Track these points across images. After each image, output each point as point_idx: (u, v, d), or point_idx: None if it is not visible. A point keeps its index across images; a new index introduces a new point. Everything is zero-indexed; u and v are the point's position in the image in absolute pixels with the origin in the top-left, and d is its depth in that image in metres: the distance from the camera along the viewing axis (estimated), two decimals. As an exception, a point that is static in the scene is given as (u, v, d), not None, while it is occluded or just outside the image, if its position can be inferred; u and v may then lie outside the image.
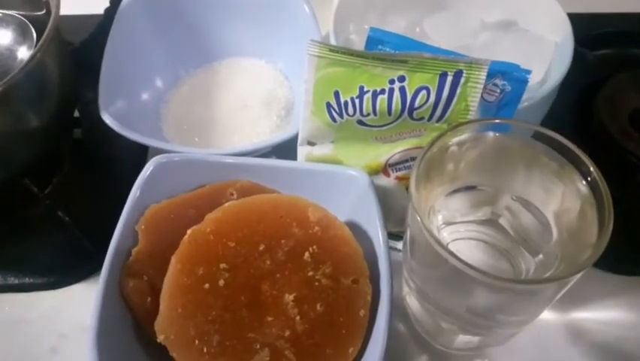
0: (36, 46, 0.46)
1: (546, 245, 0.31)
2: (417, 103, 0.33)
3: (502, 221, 0.34)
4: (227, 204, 0.35)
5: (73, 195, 0.44)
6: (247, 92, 0.45)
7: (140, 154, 0.45)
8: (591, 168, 0.27)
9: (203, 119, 0.44)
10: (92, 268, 0.39)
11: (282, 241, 0.33)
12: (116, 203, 0.37)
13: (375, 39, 0.35)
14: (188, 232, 0.33)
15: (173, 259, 0.32)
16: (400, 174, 0.36)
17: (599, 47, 0.52)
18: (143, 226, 0.34)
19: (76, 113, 0.49)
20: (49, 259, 0.40)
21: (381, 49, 0.35)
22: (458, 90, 0.32)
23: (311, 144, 0.36)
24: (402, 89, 0.32)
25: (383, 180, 0.36)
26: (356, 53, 0.33)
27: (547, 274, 0.29)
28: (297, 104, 0.45)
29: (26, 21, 0.47)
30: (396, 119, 0.33)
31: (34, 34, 0.47)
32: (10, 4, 0.47)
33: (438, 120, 0.33)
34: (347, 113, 0.34)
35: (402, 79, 0.32)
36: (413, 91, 0.32)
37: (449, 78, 0.32)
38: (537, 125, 0.30)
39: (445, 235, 0.34)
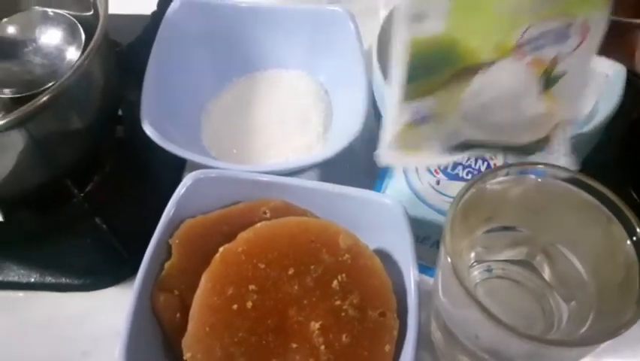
0: (84, 48, 0.47)
1: (581, 294, 0.31)
2: None
3: (536, 263, 0.33)
4: (259, 225, 0.35)
5: (111, 197, 0.46)
6: (286, 105, 0.45)
7: (180, 159, 0.46)
8: (637, 229, 0.26)
9: (242, 130, 0.45)
10: (125, 273, 0.40)
11: (312, 267, 0.33)
12: (152, 207, 0.37)
13: None
14: (220, 250, 0.34)
15: (204, 278, 0.33)
16: (534, 55, 0.26)
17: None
18: (177, 241, 0.35)
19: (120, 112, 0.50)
20: (84, 260, 0.42)
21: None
22: None
23: (419, 17, 0.25)
24: None
25: (513, 67, 0.26)
26: None
27: (582, 330, 0.28)
28: (335, 121, 0.45)
29: (76, 21, 0.48)
30: None
31: (83, 35, 0.48)
32: (61, 3, 0.48)
33: None
34: None
35: None
36: None
37: None
38: (581, 174, 0.29)
39: (476, 273, 0.34)
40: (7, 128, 0.35)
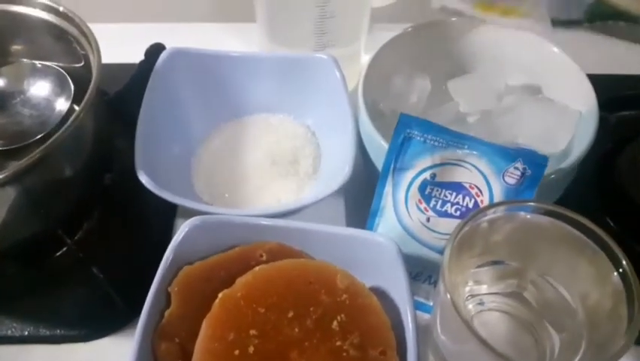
0: (73, 99, 0.48)
1: (571, 323, 0.32)
2: None
3: (526, 295, 0.35)
4: (257, 269, 0.36)
5: (102, 243, 0.46)
6: (276, 148, 0.47)
7: (170, 205, 0.46)
8: (623, 262, 0.28)
9: (233, 174, 0.46)
10: (121, 322, 0.40)
11: (311, 309, 0.34)
12: (145, 251, 0.38)
13: (405, 123, 0.37)
14: (220, 295, 0.34)
15: (205, 324, 0.33)
16: None
17: (621, 109, 0.53)
18: (175, 288, 0.35)
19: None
20: (78, 310, 0.41)
21: (410, 132, 0.37)
22: None
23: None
24: None
25: None
26: None
27: (575, 359, 0.29)
28: (324, 161, 0.47)
29: (64, 73, 0.49)
30: None
31: (72, 86, 0.49)
32: (49, 56, 0.48)
33: None
34: None
35: None
36: None
37: None
38: (559, 207, 0.30)
39: (471, 306, 0.35)
40: (2, 184, 0.35)
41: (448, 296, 0.27)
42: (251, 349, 0.32)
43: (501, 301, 0.36)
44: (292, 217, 0.41)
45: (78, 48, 0.45)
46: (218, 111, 0.49)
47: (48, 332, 0.40)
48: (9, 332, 0.40)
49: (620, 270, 0.28)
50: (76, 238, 0.46)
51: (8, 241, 0.41)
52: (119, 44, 0.56)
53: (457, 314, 0.26)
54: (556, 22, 0.62)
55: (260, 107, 0.49)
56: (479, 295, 0.35)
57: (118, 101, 0.52)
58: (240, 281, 0.35)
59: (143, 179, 0.39)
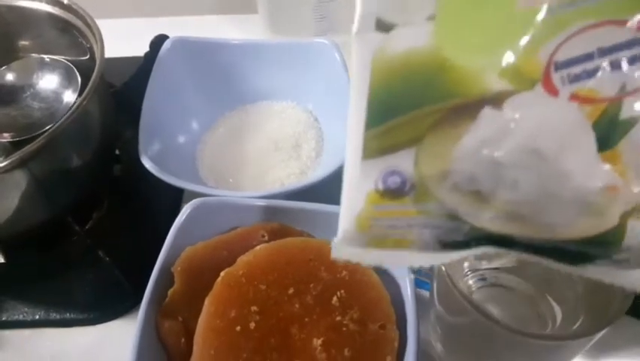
0: (81, 91, 0.49)
1: (571, 294, 0.32)
2: None
3: (528, 269, 0.34)
4: (258, 247, 0.36)
5: (112, 232, 0.47)
6: (278, 134, 0.47)
7: (177, 192, 0.47)
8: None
9: (237, 160, 0.46)
10: (129, 305, 0.41)
11: (311, 285, 0.34)
12: (152, 239, 0.38)
13: None
14: (222, 274, 0.35)
15: (207, 301, 0.34)
16: (578, 88, 0.16)
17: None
18: (178, 268, 0.36)
19: (117, 151, 0.52)
20: (88, 295, 0.42)
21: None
22: None
23: (384, 26, 0.16)
24: None
25: (544, 106, 0.16)
26: None
27: (574, 326, 0.29)
28: (326, 146, 0.47)
29: (72, 66, 0.50)
30: None
31: (79, 78, 0.50)
32: (57, 49, 0.50)
33: None
34: None
35: None
36: None
37: None
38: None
39: (471, 282, 0.35)
40: (10, 169, 0.36)
41: (443, 269, 0.27)
42: (252, 325, 0.33)
43: (503, 276, 0.35)
44: (296, 199, 0.41)
45: (83, 41, 0.46)
46: (222, 99, 0.49)
47: (58, 316, 0.41)
48: (21, 316, 0.41)
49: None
50: (87, 226, 0.47)
51: (19, 227, 0.42)
52: (125, 38, 0.57)
53: (453, 287, 0.26)
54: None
55: (263, 94, 0.50)
56: (480, 270, 0.35)
57: (125, 92, 0.53)
58: (242, 260, 0.35)
59: (147, 163, 0.40)
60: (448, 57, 0.15)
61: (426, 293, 0.37)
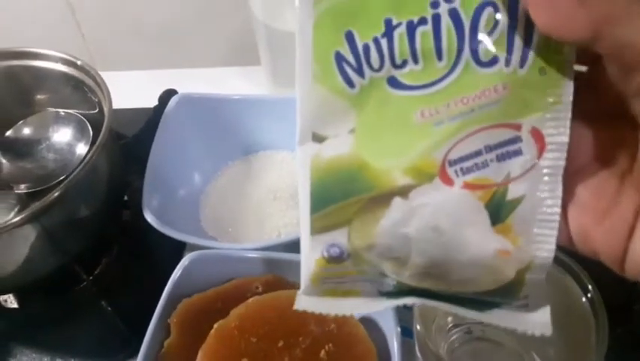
0: (92, 143, 0.52)
1: (553, 350, 0.32)
2: (481, 30, 0.19)
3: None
4: (250, 300, 0.37)
5: (117, 279, 0.49)
6: (277, 184, 0.49)
7: (180, 241, 0.49)
8: (589, 286, 0.28)
9: (237, 210, 0.48)
10: (129, 353, 0.43)
11: (300, 338, 0.35)
12: (154, 288, 0.40)
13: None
14: (215, 326, 0.36)
15: (200, 353, 0.35)
16: (470, 178, 0.20)
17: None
18: (175, 320, 0.38)
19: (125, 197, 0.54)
20: (91, 342, 0.44)
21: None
22: None
23: (318, 138, 0.21)
24: (453, 13, 0.19)
25: (442, 195, 0.20)
26: None
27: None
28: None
29: (84, 119, 0.53)
30: (453, 66, 0.20)
31: (91, 132, 0.52)
32: (70, 104, 0.53)
33: (522, 63, 0.19)
34: (370, 67, 0.20)
35: None
36: (472, 12, 0.19)
37: None
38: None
39: (455, 336, 0.35)
40: (21, 224, 0.39)
41: (418, 327, 0.28)
42: (243, 377, 0.34)
43: (488, 330, 0.36)
44: (292, 250, 0.42)
45: (93, 97, 0.48)
46: (224, 151, 0.52)
47: (63, 361, 0.43)
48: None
49: (589, 295, 0.28)
50: (95, 272, 0.49)
51: (29, 277, 0.44)
52: (137, 90, 0.60)
53: (425, 346, 0.27)
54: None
55: (264, 145, 0.52)
56: (466, 324, 0.36)
57: (134, 143, 0.55)
58: (234, 312, 0.37)
59: (149, 217, 0.42)
60: (366, 160, 0.20)
61: (412, 341, 0.38)
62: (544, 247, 0.20)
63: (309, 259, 0.22)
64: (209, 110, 0.51)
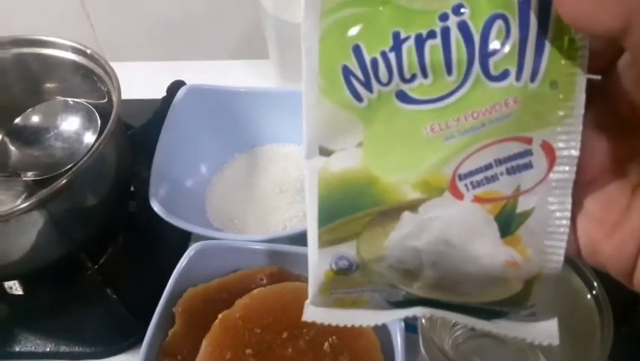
0: (100, 132, 0.52)
1: (557, 347, 0.32)
2: (491, 44, 0.19)
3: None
4: (255, 291, 0.38)
5: (122, 268, 0.49)
6: (284, 177, 0.49)
7: (186, 231, 0.49)
8: (595, 283, 0.28)
9: (243, 202, 0.48)
10: (134, 341, 0.43)
11: (304, 330, 0.35)
12: (159, 277, 0.40)
13: None
14: (219, 316, 0.36)
15: (205, 342, 0.35)
16: (480, 191, 0.20)
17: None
18: (179, 309, 0.38)
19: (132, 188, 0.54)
20: (96, 330, 0.44)
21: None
22: (552, 14, 0.18)
23: (325, 152, 0.21)
24: (462, 26, 0.19)
25: (452, 208, 0.20)
26: None
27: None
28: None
29: (92, 108, 0.53)
30: (463, 80, 0.19)
31: (99, 121, 0.53)
32: (78, 93, 0.53)
33: (533, 77, 0.19)
34: (378, 81, 0.20)
35: (459, 9, 0.19)
36: (482, 24, 0.19)
37: None
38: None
39: (460, 332, 0.35)
40: (29, 210, 0.39)
41: (423, 321, 0.28)
42: (246, 367, 0.34)
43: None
44: (297, 242, 0.43)
45: (102, 86, 0.49)
46: (231, 142, 0.52)
47: (68, 349, 0.43)
48: (33, 348, 0.43)
49: (594, 292, 0.28)
50: (101, 261, 0.50)
51: (35, 263, 0.44)
52: (144, 81, 0.61)
53: (431, 341, 0.28)
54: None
55: (271, 138, 0.52)
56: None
57: (143, 133, 0.55)
58: (239, 303, 0.37)
59: (156, 207, 0.43)
60: (374, 174, 0.20)
61: (415, 336, 0.38)
62: (553, 258, 0.19)
63: (318, 271, 0.22)
64: (216, 102, 0.51)
